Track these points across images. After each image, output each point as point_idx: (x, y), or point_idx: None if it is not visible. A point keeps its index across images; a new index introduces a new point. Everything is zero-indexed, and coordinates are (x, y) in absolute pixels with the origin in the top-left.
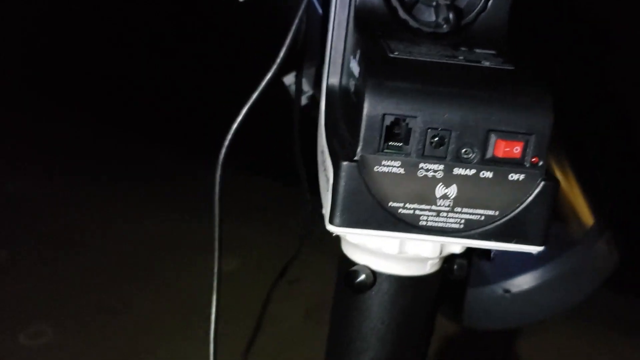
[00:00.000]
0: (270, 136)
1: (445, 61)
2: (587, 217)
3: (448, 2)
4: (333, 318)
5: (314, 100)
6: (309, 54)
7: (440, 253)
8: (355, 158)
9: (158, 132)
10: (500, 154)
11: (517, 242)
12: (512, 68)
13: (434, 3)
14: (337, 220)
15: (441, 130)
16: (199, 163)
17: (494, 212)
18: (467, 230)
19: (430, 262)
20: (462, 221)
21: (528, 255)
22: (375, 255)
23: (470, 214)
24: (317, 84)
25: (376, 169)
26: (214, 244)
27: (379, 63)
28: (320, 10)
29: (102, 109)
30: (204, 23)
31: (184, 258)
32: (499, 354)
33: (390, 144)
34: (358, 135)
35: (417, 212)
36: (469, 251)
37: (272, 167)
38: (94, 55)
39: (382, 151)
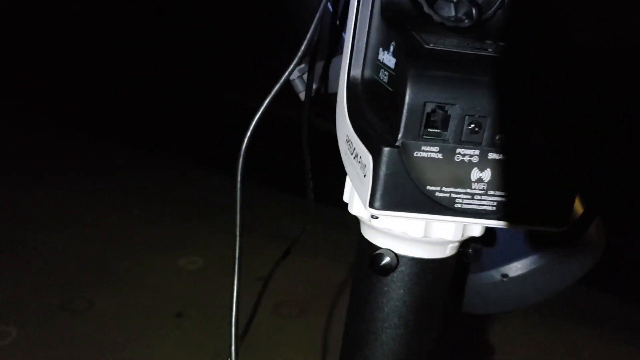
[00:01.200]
0: (232, 134)
1: (477, 53)
2: (577, 205)
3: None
4: (354, 299)
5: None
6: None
7: (462, 236)
8: (396, 144)
9: (118, 132)
10: (535, 140)
11: (542, 224)
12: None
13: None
14: (377, 203)
15: (478, 117)
16: (154, 161)
17: (526, 194)
18: (499, 212)
19: (450, 245)
20: (495, 203)
21: (523, 241)
22: (399, 239)
23: (501, 196)
24: (322, 77)
25: (416, 154)
26: (234, 252)
27: (417, 54)
28: (330, 8)
29: (60, 110)
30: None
31: (145, 257)
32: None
33: (428, 130)
34: (399, 122)
35: (452, 195)
36: (486, 235)
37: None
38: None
39: (422, 137)
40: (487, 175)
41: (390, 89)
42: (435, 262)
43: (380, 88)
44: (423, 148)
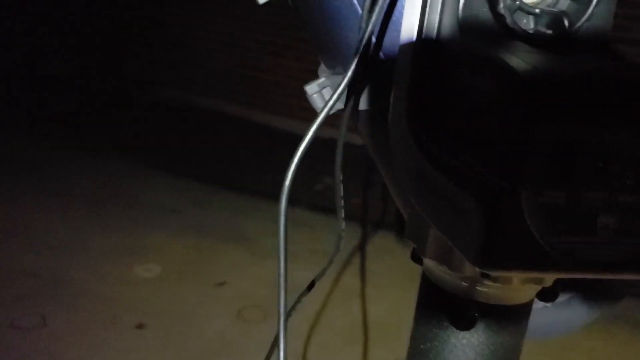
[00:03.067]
0: (181, 134)
1: (592, 80)
2: None
3: (553, 10)
4: (423, 354)
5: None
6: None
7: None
8: (516, 189)
9: (61, 134)
10: None
11: None
12: None
13: (536, 11)
14: (490, 260)
15: (609, 155)
16: (102, 165)
17: None
18: (626, 262)
19: (534, 288)
20: (621, 253)
21: None
22: (485, 287)
23: (628, 244)
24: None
25: (538, 200)
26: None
27: (534, 83)
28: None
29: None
30: None
31: (98, 266)
32: None
33: (554, 172)
34: (519, 164)
35: (575, 245)
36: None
37: (189, 168)
38: None
39: (547, 181)
40: (613, 220)
41: (493, 121)
42: (520, 307)
43: (466, 116)
44: (547, 194)
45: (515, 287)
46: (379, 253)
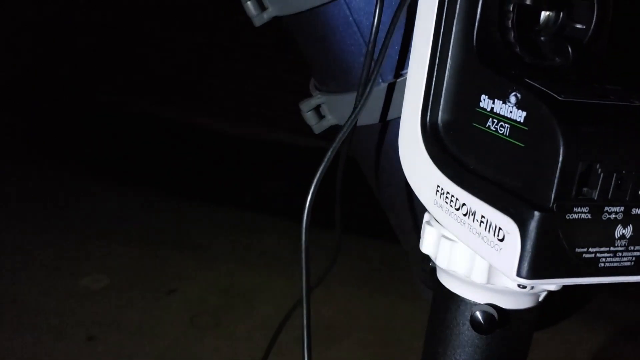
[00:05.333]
0: (121, 141)
1: (608, 102)
2: None
3: (570, 37)
4: (444, 358)
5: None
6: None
7: None
8: (549, 207)
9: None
10: None
11: None
12: None
13: (554, 40)
14: (528, 273)
15: (625, 172)
16: (41, 174)
17: None
18: (636, 267)
19: (545, 293)
20: (633, 259)
21: None
22: (501, 293)
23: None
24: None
25: (568, 216)
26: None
27: (560, 108)
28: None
29: None
30: None
31: (44, 279)
32: None
33: (580, 189)
34: (551, 183)
35: (597, 254)
36: None
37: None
38: None
39: (575, 198)
40: (629, 231)
41: (521, 144)
42: (532, 311)
43: (488, 138)
44: (575, 210)
45: (529, 292)
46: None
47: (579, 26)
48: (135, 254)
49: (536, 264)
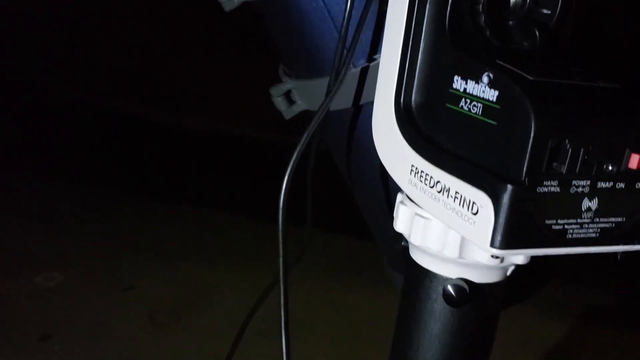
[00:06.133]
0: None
1: (575, 83)
2: None
3: (526, 20)
4: (417, 333)
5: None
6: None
7: None
8: (521, 180)
9: None
10: (634, 166)
11: (639, 243)
12: (619, 87)
13: (510, 23)
14: (501, 243)
15: (592, 148)
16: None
17: (622, 218)
18: (602, 238)
19: (512, 267)
20: (598, 230)
21: None
22: (471, 267)
23: (604, 222)
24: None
25: (538, 189)
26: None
27: (531, 88)
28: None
29: None
30: None
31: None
32: None
33: (550, 165)
34: (522, 159)
35: (565, 226)
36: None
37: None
38: None
39: (545, 172)
40: (594, 204)
41: (494, 122)
42: (501, 285)
43: (461, 118)
44: (545, 183)
45: (498, 266)
46: (294, 248)
47: (545, 11)
48: (91, 250)
49: (508, 235)
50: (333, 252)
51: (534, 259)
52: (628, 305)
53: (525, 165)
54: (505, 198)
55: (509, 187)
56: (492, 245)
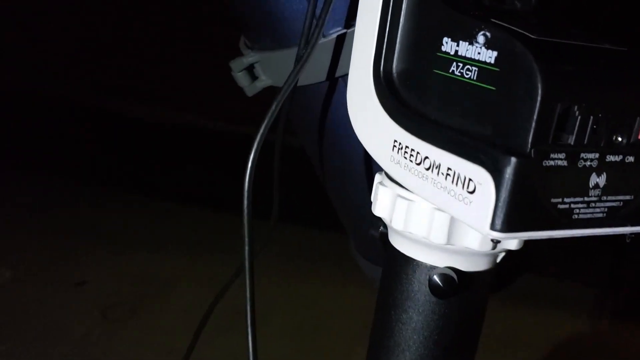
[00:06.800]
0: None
1: (580, 43)
2: None
3: None
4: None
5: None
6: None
7: None
8: (527, 152)
9: None
10: None
11: None
12: (626, 50)
13: None
14: (503, 225)
15: (601, 117)
16: None
17: (630, 196)
18: (609, 218)
19: (503, 253)
20: (605, 209)
21: None
22: (462, 254)
23: (612, 201)
24: (280, 72)
25: (545, 163)
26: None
27: (536, 46)
28: None
29: None
30: None
31: None
32: None
33: (557, 134)
34: (528, 127)
35: (572, 205)
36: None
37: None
38: None
39: (552, 143)
40: (602, 179)
41: (492, 87)
42: (491, 272)
43: (452, 84)
44: (552, 156)
45: (490, 252)
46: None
47: None
48: (41, 244)
49: (511, 216)
50: (289, 243)
51: (526, 243)
52: (608, 298)
53: (532, 134)
54: (509, 173)
55: (513, 160)
56: (492, 228)
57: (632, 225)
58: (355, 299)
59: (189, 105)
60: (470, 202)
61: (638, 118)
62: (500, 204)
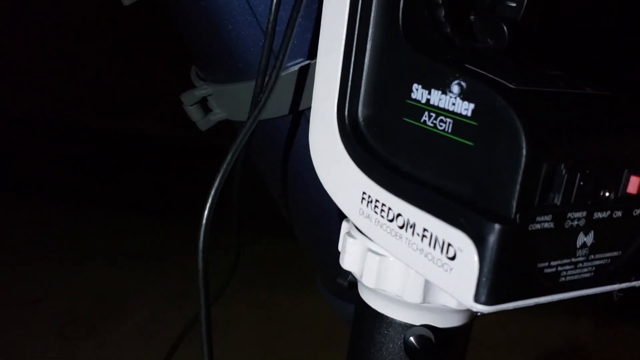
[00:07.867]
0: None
1: (561, 91)
2: None
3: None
4: None
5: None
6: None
7: None
8: (512, 218)
9: None
10: (634, 190)
11: (636, 279)
12: (608, 93)
13: (486, 19)
14: (488, 298)
15: (588, 172)
16: None
17: (617, 252)
18: (597, 277)
19: None
20: (593, 268)
21: None
22: (439, 312)
23: (600, 259)
24: (235, 105)
25: (530, 227)
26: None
27: (516, 99)
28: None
29: None
30: None
31: None
32: None
33: (545, 195)
34: (512, 190)
35: (558, 268)
36: None
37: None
38: None
39: (538, 206)
40: (590, 238)
41: (469, 143)
42: (470, 325)
43: (424, 136)
44: (538, 219)
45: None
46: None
47: (511, 4)
48: None
49: (497, 288)
50: (251, 253)
51: None
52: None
53: (516, 198)
54: (493, 241)
55: (497, 227)
56: (476, 300)
57: (620, 282)
58: (317, 308)
59: (147, 115)
60: (451, 270)
61: (625, 171)
62: (484, 275)
